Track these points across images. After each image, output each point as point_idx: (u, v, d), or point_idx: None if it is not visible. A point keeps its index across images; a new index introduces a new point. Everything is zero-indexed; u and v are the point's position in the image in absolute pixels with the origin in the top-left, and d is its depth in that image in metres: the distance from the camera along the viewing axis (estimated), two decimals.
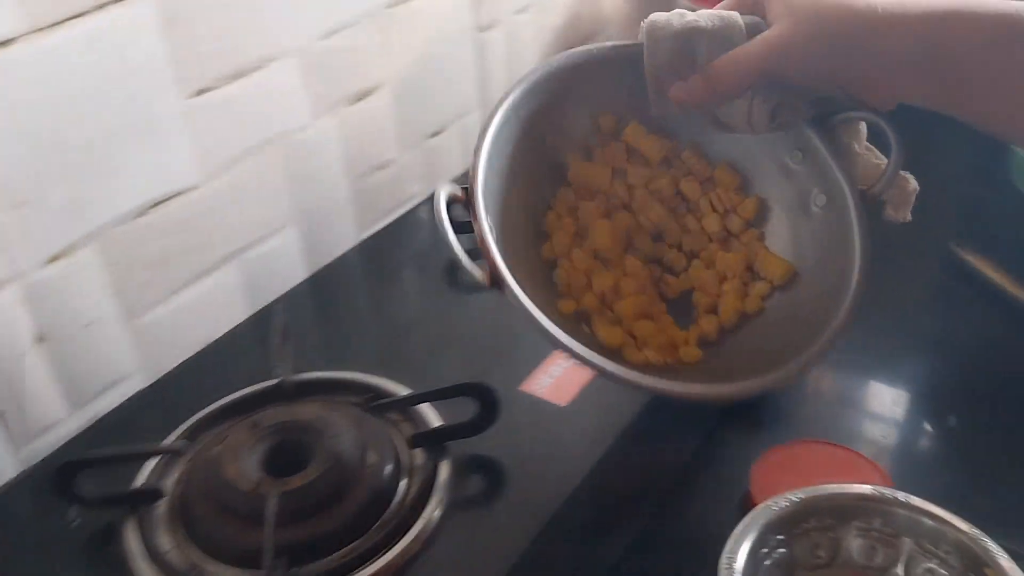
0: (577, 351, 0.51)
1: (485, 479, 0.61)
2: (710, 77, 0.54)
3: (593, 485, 0.60)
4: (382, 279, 0.85)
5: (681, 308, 0.61)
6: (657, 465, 0.71)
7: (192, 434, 0.65)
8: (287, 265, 0.81)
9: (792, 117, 0.55)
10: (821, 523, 0.52)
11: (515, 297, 0.50)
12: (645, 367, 0.55)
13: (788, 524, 0.51)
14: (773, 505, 0.51)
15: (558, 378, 0.69)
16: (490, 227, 0.52)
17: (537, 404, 0.66)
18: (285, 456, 0.59)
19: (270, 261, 0.79)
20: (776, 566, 0.51)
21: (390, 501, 0.58)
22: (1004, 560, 0.57)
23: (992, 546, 0.57)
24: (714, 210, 0.61)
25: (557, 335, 0.51)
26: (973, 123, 0.51)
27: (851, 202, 0.56)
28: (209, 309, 0.75)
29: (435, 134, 0.94)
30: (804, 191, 0.59)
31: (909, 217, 0.56)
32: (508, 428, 0.64)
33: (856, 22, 0.49)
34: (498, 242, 0.52)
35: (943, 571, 0.58)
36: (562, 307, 0.57)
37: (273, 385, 0.67)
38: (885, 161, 0.57)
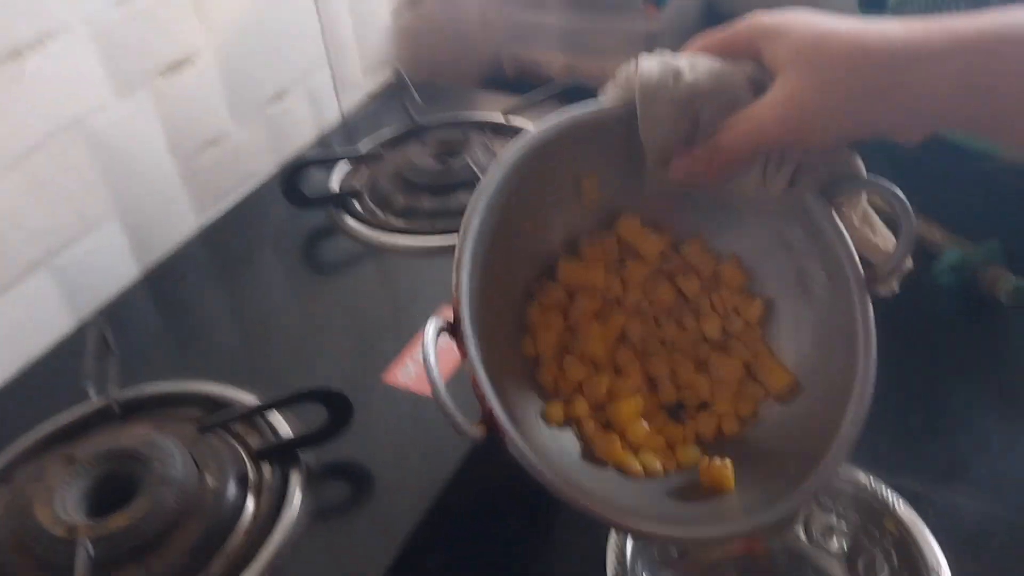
0: (599, 511, 0.44)
1: (345, 486, 0.55)
2: (718, 151, 0.45)
3: (467, 479, 0.55)
4: (228, 269, 0.76)
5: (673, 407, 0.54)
6: None
7: (6, 473, 0.56)
8: (112, 265, 0.72)
9: (812, 180, 0.48)
10: None
11: (521, 454, 0.43)
12: (665, 517, 0.48)
13: None
14: None
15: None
16: (481, 361, 0.44)
17: (402, 396, 0.60)
18: (110, 491, 0.52)
19: (89, 263, 0.69)
20: None
21: (234, 527, 0.51)
22: (901, 508, 0.54)
23: (890, 495, 0.55)
24: (714, 311, 0.54)
25: (576, 497, 0.43)
26: (1012, 144, 0.43)
27: (854, 283, 0.48)
28: (20, 325, 0.65)
29: (276, 100, 0.85)
30: (803, 269, 0.52)
31: (896, 289, 0.50)
32: (370, 426, 0.57)
33: (874, 64, 0.42)
34: (479, 348, 0.44)
35: (842, 527, 0.56)
36: (550, 414, 0.49)
37: (97, 408, 0.59)
38: (884, 238, 0.50)
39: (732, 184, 0.48)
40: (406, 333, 0.65)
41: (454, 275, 0.43)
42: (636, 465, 0.49)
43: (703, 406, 0.51)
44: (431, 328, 0.43)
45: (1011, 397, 0.67)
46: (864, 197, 0.49)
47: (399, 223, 0.75)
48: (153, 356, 0.67)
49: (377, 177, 0.80)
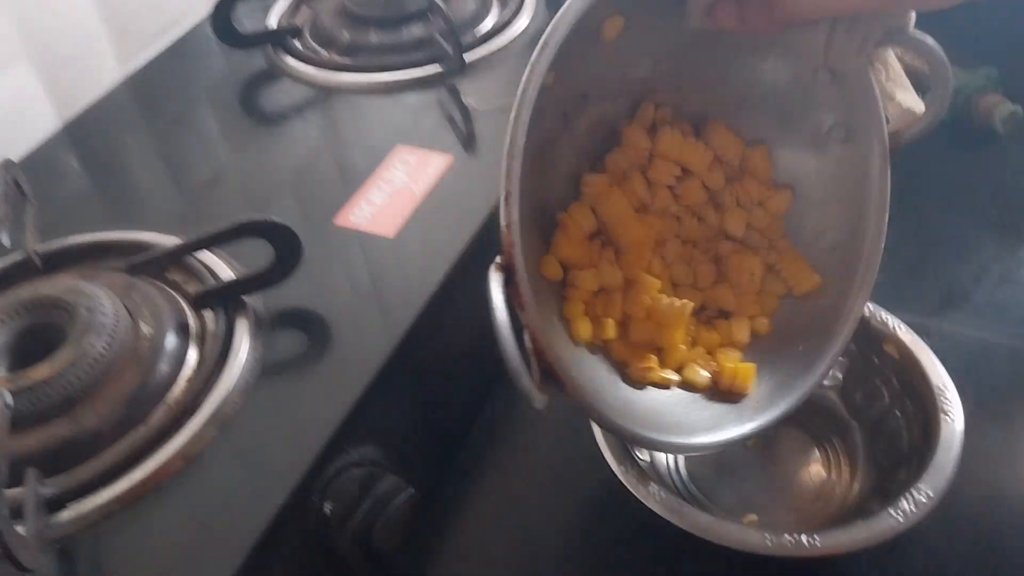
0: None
1: (298, 335, 0.49)
2: (778, 4, 0.38)
3: (429, 326, 0.50)
4: (159, 119, 0.69)
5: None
6: None
7: None
8: (25, 112, 0.64)
9: (881, 45, 0.41)
10: None
11: (588, 406, 0.37)
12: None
13: None
14: None
15: (380, 207, 0.57)
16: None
17: (357, 239, 0.54)
18: (32, 345, 0.46)
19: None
20: None
21: (175, 378, 0.46)
22: (903, 330, 0.51)
23: (890, 319, 0.51)
24: (739, 205, 0.47)
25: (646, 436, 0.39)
26: None
27: (876, 142, 0.42)
28: None
29: None
30: (820, 121, 0.45)
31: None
32: (322, 271, 0.52)
33: None
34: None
35: (841, 356, 0.52)
36: (578, 332, 0.42)
37: (15, 262, 0.53)
38: (913, 99, 0.44)
39: (790, 46, 0.42)
40: (358, 176, 0.59)
41: (503, 212, 0.36)
42: (673, 378, 0.44)
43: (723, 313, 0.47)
44: (495, 284, 0.36)
45: (1008, 226, 0.64)
46: (895, 63, 0.44)
47: (344, 61, 0.68)
48: (77, 209, 0.60)
49: (319, 12, 0.72)
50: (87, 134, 0.67)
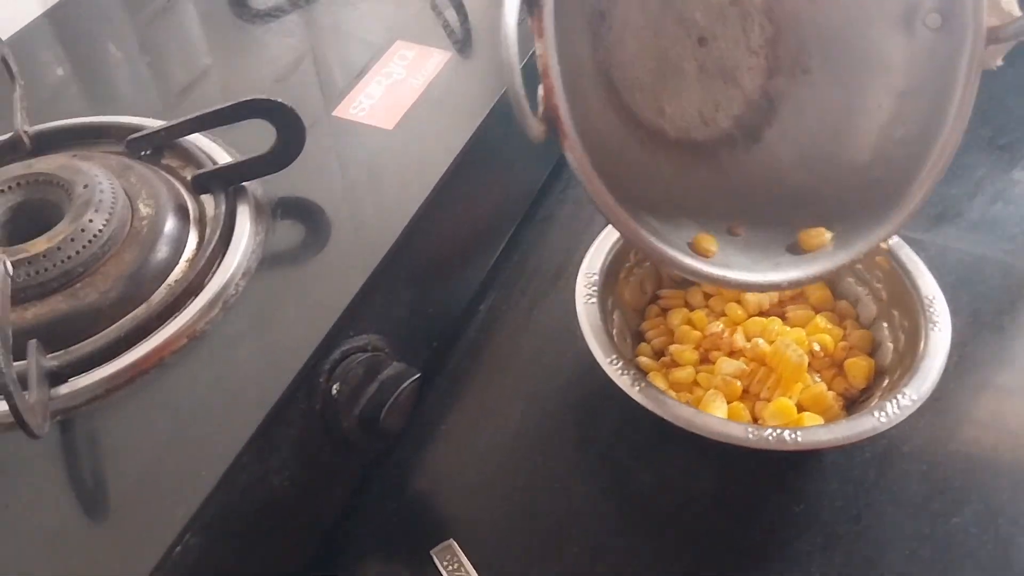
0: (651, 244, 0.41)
1: (298, 224, 0.49)
2: None
3: (432, 217, 0.49)
4: (147, 10, 0.67)
5: None
6: (506, 194, 0.62)
7: None
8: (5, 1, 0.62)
9: None
10: None
11: (579, 163, 0.36)
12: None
13: None
14: None
15: (379, 99, 0.56)
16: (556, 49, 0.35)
17: (357, 130, 0.54)
18: (28, 221, 0.45)
19: None
20: None
21: (176, 260, 0.45)
22: (895, 243, 0.51)
23: None
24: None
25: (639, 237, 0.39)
26: None
27: (971, 34, 0.41)
28: None
29: None
30: (915, 3, 0.43)
31: (997, 65, 0.42)
32: (323, 161, 0.52)
33: None
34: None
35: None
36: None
37: (3, 140, 0.51)
38: (1012, 6, 0.42)
39: None
40: (357, 71, 0.58)
41: None
42: None
43: None
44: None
45: (1003, 147, 0.64)
46: None
47: None
48: (62, 94, 0.58)
49: None
50: (68, 21, 0.64)
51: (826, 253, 0.46)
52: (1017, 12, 0.42)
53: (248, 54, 0.62)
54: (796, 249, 0.47)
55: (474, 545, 0.46)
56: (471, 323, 0.58)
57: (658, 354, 0.53)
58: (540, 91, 0.35)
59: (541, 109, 0.35)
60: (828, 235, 0.46)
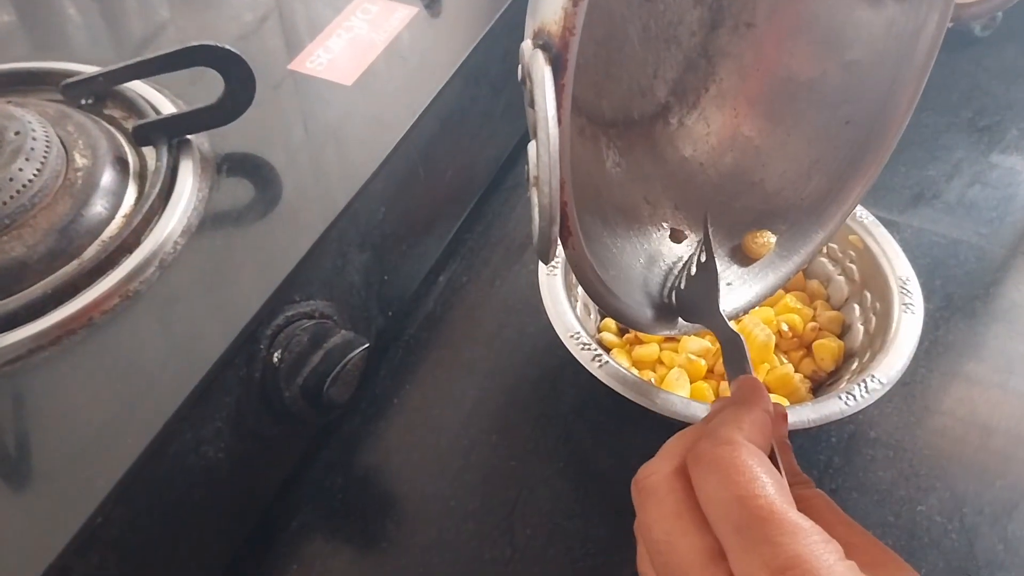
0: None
1: (246, 182, 0.46)
2: None
3: (390, 180, 0.47)
4: None
5: None
6: (472, 159, 0.59)
7: None
8: None
9: None
10: None
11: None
12: None
13: None
14: None
15: (338, 53, 0.53)
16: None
17: (313, 85, 0.51)
18: None
19: None
20: None
21: (113, 215, 0.42)
22: (870, 224, 0.50)
23: (857, 210, 0.50)
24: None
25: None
26: None
27: (939, 8, 0.38)
28: None
29: None
30: None
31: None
32: (276, 116, 0.49)
33: None
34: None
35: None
36: None
37: None
38: None
39: None
40: (316, 23, 0.55)
41: None
42: None
43: None
44: (541, 65, 0.27)
45: (982, 129, 0.63)
46: None
47: None
48: (11, 42, 0.55)
49: None
50: None
51: (771, 263, 0.44)
52: None
53: (210, 7, 0.59)
54: (740, 256, 0.44)
55: (422, 524, 0.44)
56: (430, 293, 0.56)
57: (623, 331, 0.51)
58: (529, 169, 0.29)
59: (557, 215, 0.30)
60: (773, 239, 0.44)
